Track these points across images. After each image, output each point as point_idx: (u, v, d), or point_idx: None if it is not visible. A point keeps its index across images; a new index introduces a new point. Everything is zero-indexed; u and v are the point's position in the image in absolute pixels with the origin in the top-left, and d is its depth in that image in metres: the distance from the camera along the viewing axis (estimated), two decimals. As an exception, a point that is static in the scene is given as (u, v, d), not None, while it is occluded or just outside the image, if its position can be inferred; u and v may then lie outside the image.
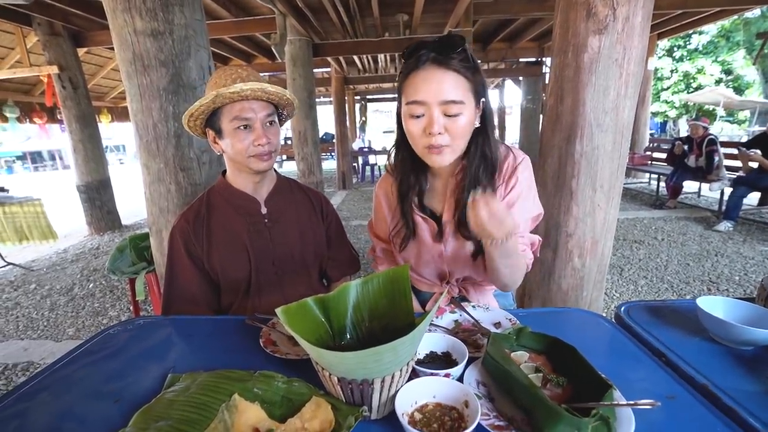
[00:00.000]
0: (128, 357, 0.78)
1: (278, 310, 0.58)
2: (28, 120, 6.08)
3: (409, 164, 0.90)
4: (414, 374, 0.61)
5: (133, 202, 7.69)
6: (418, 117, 0.77)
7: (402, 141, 0.88)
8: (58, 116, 6.03)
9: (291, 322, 0.56)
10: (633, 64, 1.39)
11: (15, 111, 5.69)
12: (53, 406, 0.63)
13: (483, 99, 0.81)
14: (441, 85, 0.74)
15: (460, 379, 0.62)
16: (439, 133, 0.76)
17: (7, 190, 4.26)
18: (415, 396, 0.56)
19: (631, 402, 0.50)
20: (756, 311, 0.73)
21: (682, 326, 0.78)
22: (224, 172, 1.11)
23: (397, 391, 0.55)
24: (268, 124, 1.00)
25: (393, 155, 0.95)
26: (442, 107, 0.75)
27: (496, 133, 0.88)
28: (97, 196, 5.04)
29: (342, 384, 0.54)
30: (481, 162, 0.84)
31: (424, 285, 1.03)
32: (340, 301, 0.66)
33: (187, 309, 1.03)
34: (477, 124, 0.82)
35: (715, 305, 0.75)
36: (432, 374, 0.60)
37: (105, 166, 5.11)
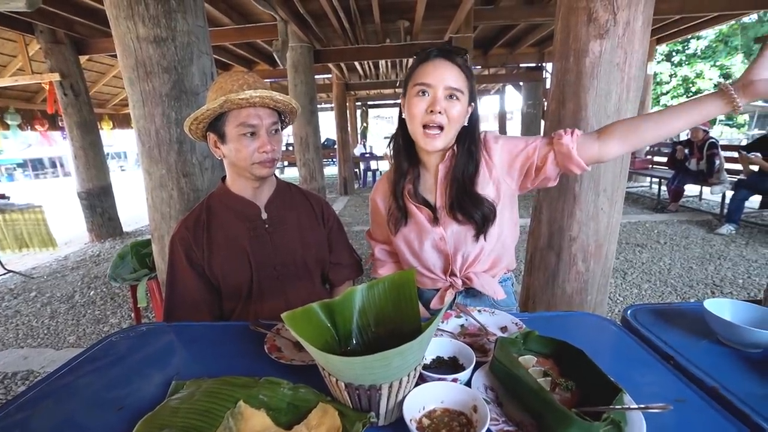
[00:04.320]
0: (131, 364, 0.77)
1: (283, 316, 0.58)
2: (29, 127, 6.10)
3: (404, 153, 0.99)
4: (421, 379, 0.60)
5: (134, 208, 7.69)
6: (423, 95, 0.87)
7: (400, 132, 0.98)
8: (60, 123, 6.05)
9: (297, 327, 0.56)
10: (634, 68, 1.40)
11: (16, 118, 5.72)
12: (55, 415, 0.63)
13: (473, 103, 0.92)
14: (446, 73, 0.86)
15: (468, 384, 0.61)
16: (440, 112, 0.85)
17: (8, 198, 4.27)
18: (422, 401, 0.55)
19: (642, 405, 0.49)
20: (763, 313, 0.72)
21: (689, 329, 0.78)
22: (224, 177, 1.11)
23: (404, 397, 0.54)
24: (273, 131, 1.00)
25: (391, 145, 1.03)
26: (446, 91, 0.86)
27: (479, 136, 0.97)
28: (98, 203, 5.04)
29: (349, 390, 0.53)
30: (468, 156, 0.93)
31: (428, 281, 1.03)
32: (346, 306, 0.66)
33: (189, 316, 1.03)
34: (465, 123, 0.91)
35: (722, 308, 0.74)
36: (439, 379, 0.59)
37: (106, 173, 5.12)
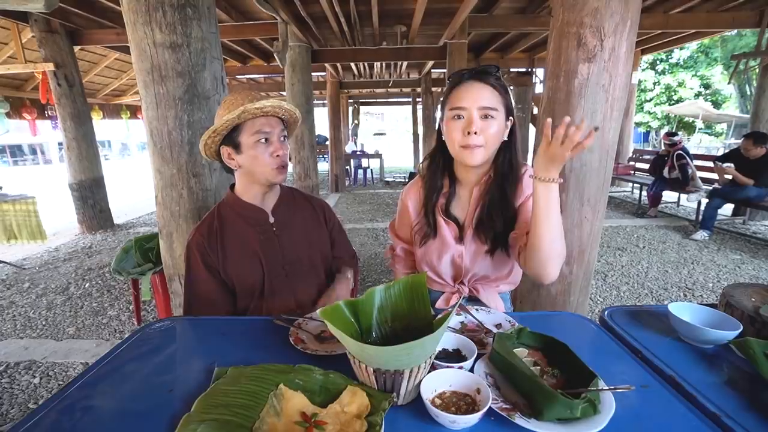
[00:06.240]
0: (171, 353, 0.86)
1: (319, 312, 0.68)
2: (17, 116, 5.99)
3: (441, 170, 1.04)
4: (432, 368, 0.71)
5: (122, 200, 7.60)
6: (459, 119, 0.91)
7: (438, 149, 1.03)
8: (48, 113, 5.95)
9: (331, 321, 0.66)
10: (618, 89, 1.53)
11: (5, 106, 5.61)
12: (115, 395, 0.72)
13: (511, 117, 0.96)
14: (479, 94, 0.90)
15: (471, 371, 0.72)
16: (475, 133, 0.89)
17: (0, 187, 4.22)
18: (434, 385, 0.67)
19: (612, 387, 0.62)
20: (717, 315, 0.85)
21: (656, 328, 0.91)
22: (232, 186, 1.20)
23: (420, 381, 0.66)
24: (282, 138, 1.11)
25: (427, 162, 1.08)
26: (480, 111, 0.90)
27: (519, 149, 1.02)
28: (90, 195, 5.01)
29: (377, 374, 0.64)
30: (508, 170, 0.98)
31: (437, 285, 1.14)
32: (367, 304, 0.76)
33: (207, 314, 1.11)
34: (505, 138, 0.96)
35: (683, 310, 0.87)
36: (448, 367, 0.70)
37: (99, 165, 5.10)
